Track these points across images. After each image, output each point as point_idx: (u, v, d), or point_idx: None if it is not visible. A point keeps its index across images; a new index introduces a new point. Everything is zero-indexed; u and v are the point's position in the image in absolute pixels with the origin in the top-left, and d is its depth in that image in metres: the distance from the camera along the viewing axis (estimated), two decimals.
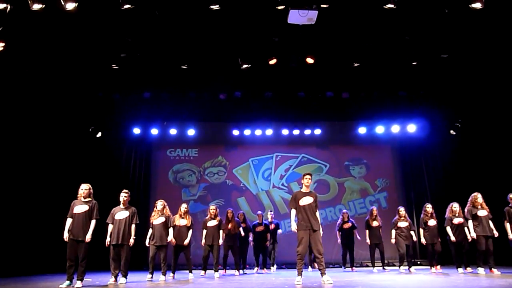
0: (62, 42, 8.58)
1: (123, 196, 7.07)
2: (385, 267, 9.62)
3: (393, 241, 8.92)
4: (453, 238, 8.09)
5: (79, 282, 6.14)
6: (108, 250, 6.88)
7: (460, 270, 8.06)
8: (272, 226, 10.01)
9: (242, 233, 9.23)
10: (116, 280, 6.68)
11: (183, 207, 8.16)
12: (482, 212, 7.84)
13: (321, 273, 6.10)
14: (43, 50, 8.71)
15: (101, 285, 6.48)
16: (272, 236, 9.98)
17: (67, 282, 6.05)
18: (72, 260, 6.15)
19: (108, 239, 6.87)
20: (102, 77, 10.24)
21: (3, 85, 8.67)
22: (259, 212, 10.38)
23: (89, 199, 6.49)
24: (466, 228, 7.97)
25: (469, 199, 8.04)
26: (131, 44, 8.92)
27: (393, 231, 8.96)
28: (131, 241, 6.88)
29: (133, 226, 6.94)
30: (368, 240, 9.66)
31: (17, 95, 9.10)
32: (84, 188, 6.49)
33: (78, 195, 6.46)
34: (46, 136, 10.06)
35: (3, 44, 7.77)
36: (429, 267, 8.79)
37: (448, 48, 9.29)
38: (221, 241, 8.37)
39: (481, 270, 7.60)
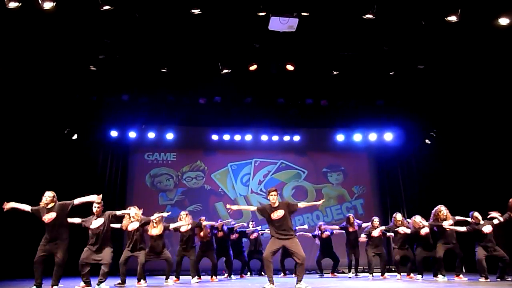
0: (39, 42, 8.37)
1: (96, 207, 6.75)
2: (357, 274, 9.71)
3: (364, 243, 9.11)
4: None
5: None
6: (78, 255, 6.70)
7: (419, 277, 8.20)
8: (255, 235, 10.07)
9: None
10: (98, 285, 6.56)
11: (183, 214, 8.15)
12: (448, 223, 7.92)
13: (298, 280, 6.02)
14: (19, 50, 8.48)
15: None
16: (256, 244, 10.09)
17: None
18: (38, 263, 6.00)
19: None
20: (80, 78, 10.03)
21: None
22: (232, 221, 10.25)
23: (52, 204, 6.24)
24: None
25: (432, 212, 8.02)
26: (110, 45, 8.78)
27: (366, 239, 9.13)
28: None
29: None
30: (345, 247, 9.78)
31: None
32: (48, 195, 6.25)
33: (42, 203, 6.21)
34: (21, 138, 9.77)
35: None
36: (405, 274, 8.94)
37: (425, 59, 9.53)
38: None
39: (440, 277, 7.72)
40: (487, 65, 9.20)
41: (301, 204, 6.60)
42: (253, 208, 6.67)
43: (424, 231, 7.96)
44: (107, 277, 6.61)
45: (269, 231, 6.32)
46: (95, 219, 6.74)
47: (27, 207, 6.18)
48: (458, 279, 7.71)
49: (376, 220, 9.23)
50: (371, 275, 9.03)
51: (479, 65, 9.32)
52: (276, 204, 6.22)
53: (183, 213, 8.34)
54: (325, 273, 10.24)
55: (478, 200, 9.28)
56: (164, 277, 7.97)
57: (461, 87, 10.32)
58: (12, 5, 6.78)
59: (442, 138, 11.86)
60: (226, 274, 9.28)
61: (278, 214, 6.14)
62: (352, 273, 9.69)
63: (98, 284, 6.50)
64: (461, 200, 10.21)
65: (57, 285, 6.11)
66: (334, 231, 10.12)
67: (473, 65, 9.41)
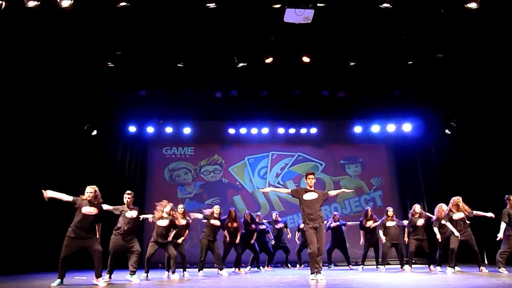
0: (58, 40, 8.52)
1: (127, 198, 6.97)
2: (378, 266, 9.66)
3: (383, 239, 8.98)
4: (438, 236, 8.16)
5: (100, 279, 6.15)
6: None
7: (438, 268, 8.18)
8: (280, 225, 10.16)
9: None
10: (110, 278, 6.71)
11: (180, 207, 8.17)
12: (458, 215, 7.85)
13: (316, 272, 6.07)
14: (38, 48, 8.65)
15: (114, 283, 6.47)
16: (279, 236, 10.12)
17: (58, 281, 5.99)
18: (66, 260, 6.02)
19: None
20: (98, 75, 10.18)
21: None
22: (258, 213, 10.48)
23: (96, 202, 6.31)
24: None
25: (451, 202, 7.99)
26: (127, 42, 8.88)
27: (381, 231, 9.05)
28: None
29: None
30: (362, 240, 9.71)
31: (12, 93, 9.02)
32: (89, 191, 6.26)
33: (86, 197, 6.23)
34: (42, 134, 9.99)
35: None
36: (426, 265, 8.87)
37: (444, 47, 9.33)
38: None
39: (449, 270, 7.68)
40: (508, 52, 8.94)
41: (331, 192, 6.73)
42: (287, 190, 6.73)
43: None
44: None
45: (302, 221, 6.39)
46: (130, 210, 6.92)
47: (67, 197, 6.10)
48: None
49: (390, 210, 9.14)
50: (384, 266, 8.98)
51: (500, 52, 9.06)
52: (312, 188, 6.33)
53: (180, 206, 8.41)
54: (338, 265, 10.26)
55: (501, 191, 9.06)
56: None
57: (481, 75, 10.07)
58: (31, 4, 6.91)
59: (463, 127, 11.63)
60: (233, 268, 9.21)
61: (311, 196, 6.24)
62: (366, 265, 9.73)
63: (131, 275, 6.73)
64: (482, 191, 10.04)
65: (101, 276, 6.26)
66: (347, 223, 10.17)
67: (494, 53, 9.17)
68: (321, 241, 6.09)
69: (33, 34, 8.16)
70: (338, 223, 10.08)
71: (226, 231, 8.61)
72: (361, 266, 9.66)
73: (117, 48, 9.10)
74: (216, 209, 8.39)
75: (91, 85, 10.76)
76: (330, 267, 10.14)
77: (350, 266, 10.12)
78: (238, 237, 8.71)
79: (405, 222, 8.99)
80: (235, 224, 8.72)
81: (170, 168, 12.76)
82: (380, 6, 7.53)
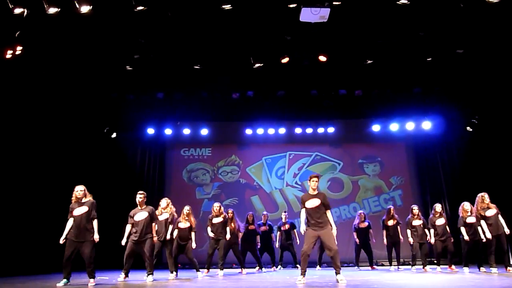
0: (77, 45, 8.70)
1: (139, 197, 7.06)
2: (399, 266, 9.52)
3: (410, 240, 8.80)
4: (466, 238, 7.96)
5: (91, 280, 6.19)
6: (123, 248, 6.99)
7: (466, 269, 7.97)
8: (286, 227, 10.07)
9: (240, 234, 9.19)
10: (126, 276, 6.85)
11: (186, 209, 8.12)
12: (491, 212, 7.68)
13: (335, 272, 6.05)
14: (59, 53, 8.85)
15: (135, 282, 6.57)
16: (287, 236, 10.04)
17: (64, 280, 6.07)
18: (69, 260, 6.11)
19: (124, 239, 6.96)
20: (117, 78, 10.35)
21: (20, 88, 8.82)
22: (264, 212, 10.55)
23: (86, 199, 6.39)
24: (479, 228, 7.80)
25: (476, 200, 7.87)
26: (144, 45, 9.00)
27: (408, 231, 8.87)
28: (155, 239, 7.07)
29: (153, 225, 7.02)
30: (385, 240, 9.58)
31: (34, 97, 9.25)
32: (79, 189, 6.39)
33: (73, 198, 6.34)
34: (63, 137, 10.21)
35: (20, 48, 7.92)
36: (446, 266, 8.69)
37: (464, 43, 9.13)
38: (228, 236, 8.39)
39: (494, 269, 7.47)
40: None
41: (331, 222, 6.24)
42: (303, 212, 6.28)
43: (470, 220, 7.75)
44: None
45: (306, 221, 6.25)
46: (140, 211, 6.99)
47: (68, 224, 6.26)
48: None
49: (415, 208, 8.98)
50: (413, 267, 8.84)
51: None
52: (315, 192, 6.22)
53: (216, 205, 8.58)
54: (361, 266, 10.14)
55: None
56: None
57: (503, 70, 9.81)
58: (52, 10, 7.08)
59: (485, 124, 11.36)
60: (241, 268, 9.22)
61: (313, 203, 6.14)
62: (394, 265, 9.53)
63: (147, 276, 6.84)
64: (508, 190, 9.79)
65: (94, 277, 6.28)
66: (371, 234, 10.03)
67: None
68: (330, 241, 5.98)
69: (53, 39, 8.35)
70: (366, 223, 9.96)
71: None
72: (396, 266, 9.50)
73: (135, 51, 9.23)
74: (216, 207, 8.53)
75: (110, 88, 10.96)
76: (359, 268, 10.03)
77: (373, 266, 10.02)
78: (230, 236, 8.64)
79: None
80: (232, 225, 8.73)
81: (188, 169, 12.87)
82: (397, 2, 7.43)
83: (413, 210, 8.92)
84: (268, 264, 10.10)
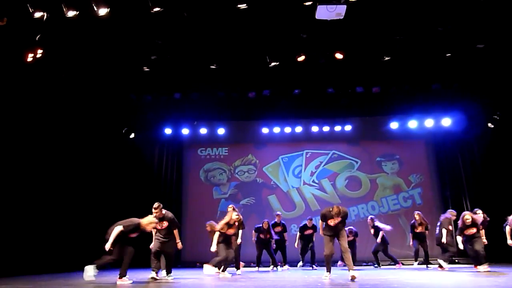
0: (96, 47, 8.84)
1: (154, 213, 6.89)
2: (428, 266, 9.38)
3: (461, 246, 8.14)
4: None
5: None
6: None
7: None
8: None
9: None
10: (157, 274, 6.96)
11: (234, 215, 7.95)
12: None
13: (348, 268, 6.43)
14: (77, 55, 9.02)
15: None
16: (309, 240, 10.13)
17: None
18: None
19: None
20: (134, 79, 10.49)
21: (41, 90, 9.02)
22: (278, 212, 10.65)
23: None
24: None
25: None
26: (161, 46, 9.08)
27: (459, 237, 8.15)
28: (179, 245, 7.25)
29: (175, 232, 7.12)
30: (410, 242, 9.74)
31: (54, 99, 9.44)
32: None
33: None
34: (83, 139, 10.39)
35: (41, 51, 8.09)
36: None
37: (484, 38, 8.92)
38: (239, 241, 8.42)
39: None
40: None
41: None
42: (320, 223, 6.91)
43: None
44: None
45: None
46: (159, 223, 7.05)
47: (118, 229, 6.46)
48: None
49: (468, 218, 8.12)
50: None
51: None
52: (336, 215, 6.64)
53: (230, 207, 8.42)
54: (382, 265, 10.08)
55: None
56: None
57: None
58: (71, 14, 7.21)
59: (507, 120, 11.08)
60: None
61: (335, 222, 6.61)
62: (419, 264, 9.59)
63: (167, 274, 7.09)
64: None
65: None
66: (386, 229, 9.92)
67: None
68: (342, 241, 6.54)
69: (73, 42, 8.51)
70: (388, 226, 10.01)
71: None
72: (427, 264, 9.45)
73: (152, 52, 9.32)
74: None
75: (128, 89, 11.10)
76: (378, 267, 9.99)
77: (399, 264, 10.05)
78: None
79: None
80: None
81: (205, 169, 12.94)
82: None
83: (466, 221, 7.99)
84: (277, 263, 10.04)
